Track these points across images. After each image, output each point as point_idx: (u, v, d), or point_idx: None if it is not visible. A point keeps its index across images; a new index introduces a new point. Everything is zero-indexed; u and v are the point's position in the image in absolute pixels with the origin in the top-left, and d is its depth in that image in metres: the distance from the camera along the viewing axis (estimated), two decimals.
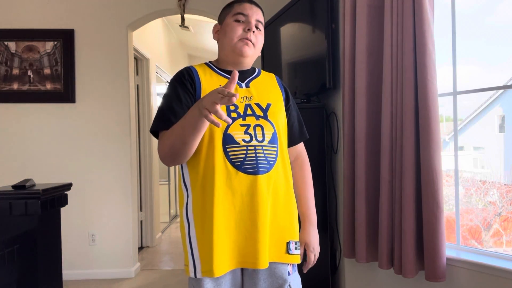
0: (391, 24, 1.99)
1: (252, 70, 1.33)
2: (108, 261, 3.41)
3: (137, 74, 4.36)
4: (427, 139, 1.86)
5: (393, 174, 2.01)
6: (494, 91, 3.92)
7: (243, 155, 1.16)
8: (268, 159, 1.18)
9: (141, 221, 4.35)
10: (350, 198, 2.23)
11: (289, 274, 1.23)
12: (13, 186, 1.90)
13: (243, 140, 1.17)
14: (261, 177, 1.16)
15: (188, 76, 1.22)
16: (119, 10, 3.42)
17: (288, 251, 1.22)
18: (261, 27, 1.27)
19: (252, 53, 1.26)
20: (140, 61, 4.38)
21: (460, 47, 2.02)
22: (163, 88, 5.60)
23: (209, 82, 1.23)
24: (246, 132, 1.18)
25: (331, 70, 2.36)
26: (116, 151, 3.41)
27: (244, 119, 1.19)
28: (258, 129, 1.19)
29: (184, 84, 1.21)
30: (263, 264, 1.17)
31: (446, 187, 2.23)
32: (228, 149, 1.16)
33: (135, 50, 3.96)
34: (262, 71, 1.36)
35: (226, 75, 1.26)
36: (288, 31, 2.88)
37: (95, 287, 3.22)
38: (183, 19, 3.54)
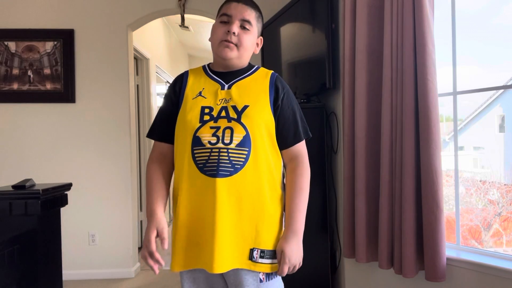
0: (391, 24, 1.99)
1: (244, 70, 1.31)
2: (108, 261, 3.41)
3: (137, 74, 4.36)
4: (427, 139, 1.86)
5: (393, 174, 2.01)
6: (494, 91, 3.92)
7: (206, 157, 1.18)
8: (233, 162, 1.17)
9: (141, 221, 4.34)
10: (350, 198, 2.22)
11: (261, 281, 1.19)
12: (13, 186, 1.90)
13: (209, 142, 1.18)
14: (220, 180, 1.16)
15: (177, 82, 1.32)
16: (119, 10, 3.42)
17: (250, 258, 1.18)
18: (249, 26, 1.25)
19: (236, 55, 1.26)
20: (140, 61, 4.38)
21: (461, 47, 2.02)
22: (163, 88, 5.60)
23: (193, 85, 1.30)
24: (214, 135, 1.19)
25: (331, 70, 2.36)
26: (116, 151, 3.41)
27: (215, 122, 1.20)
28: (228, 131, 1.19)
29: (170, 93, 1.32)
30: (217, 269, 1.14)
31: (446, 187, 2.23)
32: (195, 151, 1.19)
33: (135, 50, 3.96)
34: (260, 69, 1.33)
35: (214, 76, 1.30)
36: (288, 31, 2.88)
37: (95, 287, 3.22)
38: (183, 19, 3.54)
